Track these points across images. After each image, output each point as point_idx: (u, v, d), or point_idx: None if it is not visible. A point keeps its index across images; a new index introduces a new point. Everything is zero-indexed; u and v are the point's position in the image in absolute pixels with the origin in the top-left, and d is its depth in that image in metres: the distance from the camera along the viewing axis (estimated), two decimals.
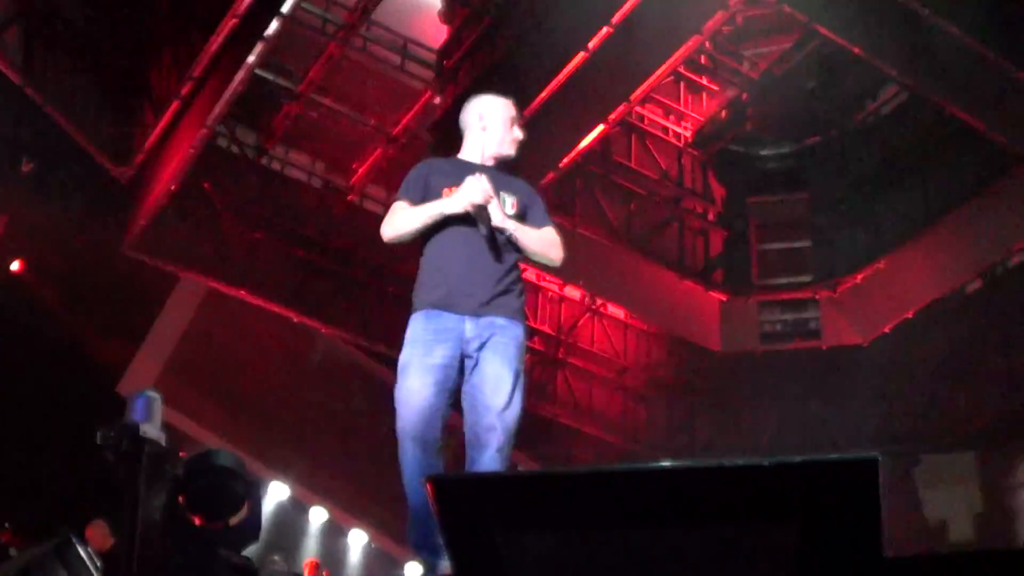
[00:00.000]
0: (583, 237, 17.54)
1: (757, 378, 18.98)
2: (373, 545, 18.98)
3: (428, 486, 3.45)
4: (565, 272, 17.89)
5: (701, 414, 19.86)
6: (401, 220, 5.29)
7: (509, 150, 5.62)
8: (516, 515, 3.52)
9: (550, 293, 19.33)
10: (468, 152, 5.59)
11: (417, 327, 5.22)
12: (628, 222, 18.37)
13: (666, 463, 3.33)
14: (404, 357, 5.21)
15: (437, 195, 5.28)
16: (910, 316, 17.21)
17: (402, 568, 16.15)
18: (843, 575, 3.37)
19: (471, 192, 5.12)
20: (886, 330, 17.60)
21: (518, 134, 5.66)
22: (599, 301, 19.15)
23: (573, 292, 18.74)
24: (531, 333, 18.56)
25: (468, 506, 3.55)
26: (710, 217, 19.60)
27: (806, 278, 18.83)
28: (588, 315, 19.53)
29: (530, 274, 18.25)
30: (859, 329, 18.15)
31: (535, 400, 17.42)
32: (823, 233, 18.73)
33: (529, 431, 16.02)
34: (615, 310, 19.41)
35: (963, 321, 17.46)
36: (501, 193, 5.26)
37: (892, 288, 17.44)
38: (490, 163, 5.53)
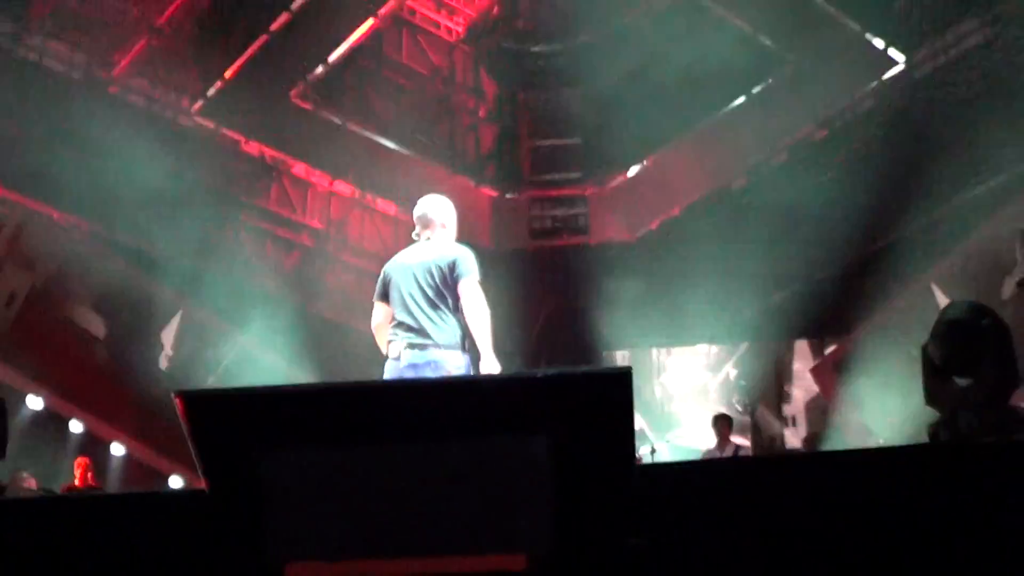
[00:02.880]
0: (353, 133, 17.32)
1: (527, 274, 19.16)
2: (133, 456, 18.51)
3: (177, 401, 3.34)
4: (334, 167, 17.70)
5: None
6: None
7: None
8: (272, 431, 3.46)
9: (319, 188, 18.96)
10: None
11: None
12: (399, 118, 18.18)
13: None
14: None
15: None
16: (676, 213, 17.54)
17: (166, 479, 15.92)
18: (596, 483, 3.42)
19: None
20: (653, 227, 17.92)
21: None
22: (369, 196, 18.89)
23: (343, 187, 18.47)
24: (300, 228, 18.28)
25: (223, 423, 3.47)
26: (481, 114, 19.58)
27: (576, 175, 19.01)
28: (358, 210, 19.26)
29: (299, 169, 17.92)
30: (627, 225, 18.45)
31: (304, 297, 17.27)
32: (593, 131, 18.87)
33: (301, 332, 15.75)
34: (385, 205, 19.20)
35: (729, 218, 17.85)
36: None
37: (660, 185, 17.75)
38: None
